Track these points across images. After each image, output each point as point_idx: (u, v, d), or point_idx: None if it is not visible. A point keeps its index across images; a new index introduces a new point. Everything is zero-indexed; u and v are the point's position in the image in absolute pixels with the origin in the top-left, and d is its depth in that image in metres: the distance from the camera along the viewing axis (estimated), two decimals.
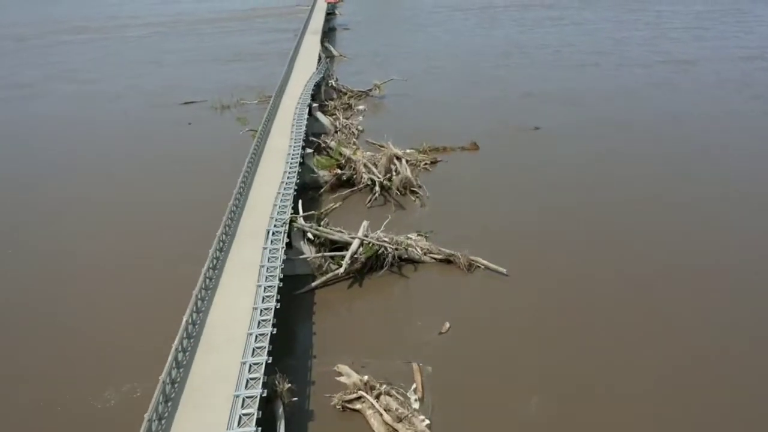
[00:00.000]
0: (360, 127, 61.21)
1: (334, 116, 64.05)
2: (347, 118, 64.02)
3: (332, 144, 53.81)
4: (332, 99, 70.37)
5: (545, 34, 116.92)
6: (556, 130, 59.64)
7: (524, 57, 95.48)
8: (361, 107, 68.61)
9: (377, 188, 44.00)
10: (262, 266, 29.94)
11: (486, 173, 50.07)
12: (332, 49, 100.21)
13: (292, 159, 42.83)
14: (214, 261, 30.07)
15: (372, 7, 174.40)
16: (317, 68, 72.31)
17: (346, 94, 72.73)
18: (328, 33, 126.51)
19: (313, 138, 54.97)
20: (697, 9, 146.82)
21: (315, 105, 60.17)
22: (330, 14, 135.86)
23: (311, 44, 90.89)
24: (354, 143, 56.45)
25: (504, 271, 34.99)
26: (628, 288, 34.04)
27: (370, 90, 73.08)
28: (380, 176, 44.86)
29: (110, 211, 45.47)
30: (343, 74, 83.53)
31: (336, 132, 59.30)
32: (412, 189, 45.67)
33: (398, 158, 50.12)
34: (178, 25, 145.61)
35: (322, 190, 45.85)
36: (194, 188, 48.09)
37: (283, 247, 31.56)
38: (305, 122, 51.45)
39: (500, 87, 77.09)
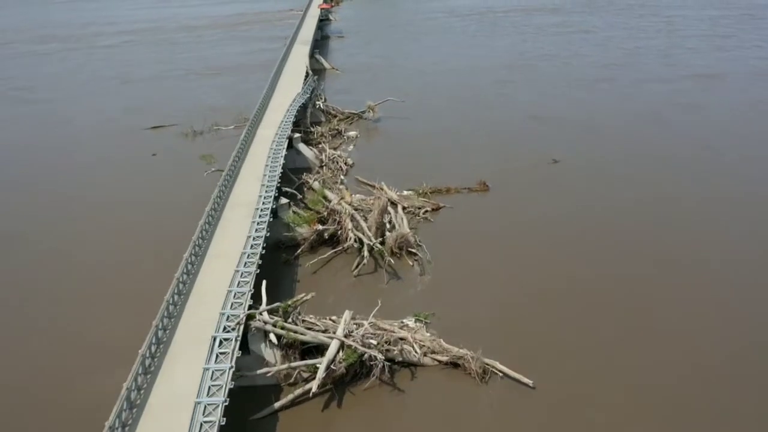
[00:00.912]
0: (349, 160, 52.36)
1: (320, 146, 55.27)
2: (335, 148, 55.15)
3: (315, 185, 45.13)
4: (319, 123, 61.60)
5: (551, 43, 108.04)
6: (578, 166, 50.59)
7: (530, 70, 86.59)
8: (352, 133, 59.78)
9: (366, 252, 35.16)
10: (199, 403, 21.24)
11: (500, 226, 40.98)
12: (323, 61, 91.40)
13: (260, 218, 34.05)
14: (124, 405, 20.96)
15: (369, 13, 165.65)
16: (303, 87, 63.51)
17: (335, 117, 63.97)
18: (321, 42, 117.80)
19: (293, 176, 46.33)
20: (709, 14, 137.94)
21: (297, 135, 51.38)
22: (323, 20, 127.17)
23: (299, 56, 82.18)
24: (342, 182, 47.76)
25: (530, 383, 26.24)
26: (693, 405, 25.39)
27: (363, 112, 64.31)
28: (370, 236, 36.02)
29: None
30: (333, 92, 74.93)
31: (322, 167, 50.58)
32: (409, 249, 36.94)
33: (393, 205, 41.47)
34: (155, 33, 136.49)
35: (299, 251, 37.06)
36: (128, 272, 36.17)
37: (231, 367, 22.83)
38: (281, 162, 42.61)
39: (507, 108, 68.37)
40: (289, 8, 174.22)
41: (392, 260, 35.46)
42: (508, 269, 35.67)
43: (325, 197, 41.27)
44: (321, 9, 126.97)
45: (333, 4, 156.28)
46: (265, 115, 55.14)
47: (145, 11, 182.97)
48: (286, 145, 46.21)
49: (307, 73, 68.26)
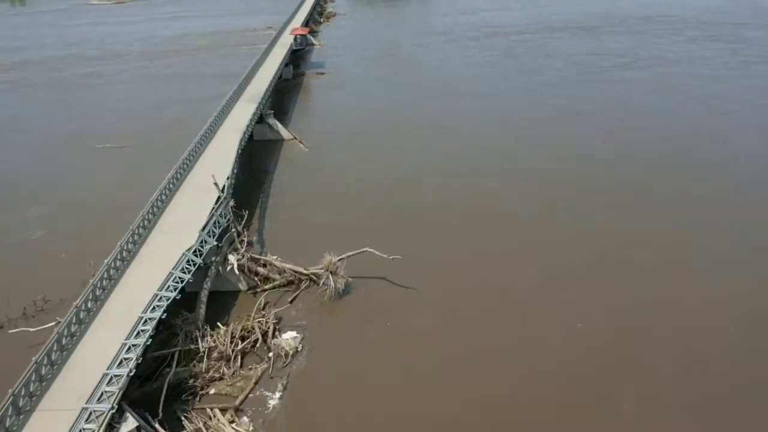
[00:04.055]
0: None
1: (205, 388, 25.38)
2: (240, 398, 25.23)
3: None
4: (236, 294, 31.54)
5: (591, 87, 77.33)
6: None
7: (566, 151, 54.77)
8: (289, 338, 29.72)
9: None
10: None
11: None
12: (280, 128, 60.58)
13: None
14: None
15: (364, 32, 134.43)
16: (204, 226, 33.12)
17: (260, 284, 33.97)
18: (294, 80, 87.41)
19: None
20: None
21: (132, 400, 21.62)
22: (298, 51, 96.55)
23: (230, 133, 51.17)
24: None
25: None
26: None
27: (318, 275, 33.83)
28: None
29: None
30: (280, 200, 45.13)
31: None
32: None
33: None
34: (60, 66, 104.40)
35: None
36: None
37: None
38: None
39: (553, 249, 38.10)
40: (267, 26, 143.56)
41: None
42: None
43: None
44: (294, 34, 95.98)
45: (311, 28, 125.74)
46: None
47: (76, 29, 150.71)
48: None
49: (222, 189, 37.15)
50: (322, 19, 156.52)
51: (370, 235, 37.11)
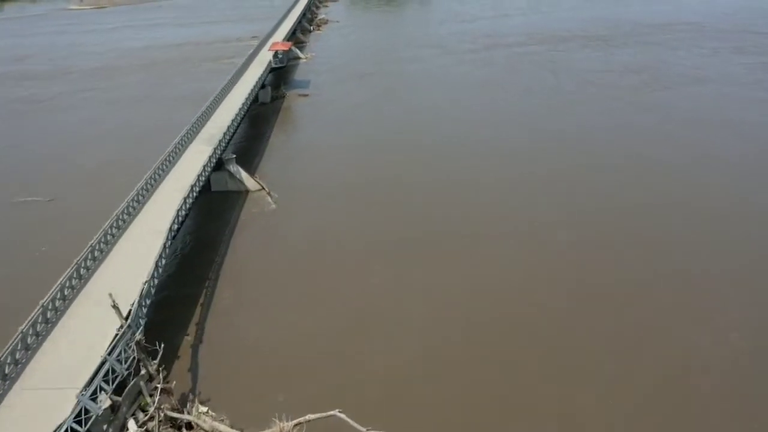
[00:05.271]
0: None
1: None
2: None
3: None
4: None
5: (610, 117, 65.34)
6: None
7: (590, 222, 43.50)
8: None
9: None
10: None
11: None
12: (243, 176, 49.03)
13: None
14: None
15: (357, 42, 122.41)
16: (90, 381, 21.87)
17: None
18: (272, 104, 76.08)
19: None
20: None
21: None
22: (279, 69, 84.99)
23: (173, 194, 39.69)
24: None
25: None
26: None
27: None
28: None
29: None
30: (222, 322, 33.22)
31: None
32: None
33: None
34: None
35: None
36: None
37: None
38: None
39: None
40: (252, 36, 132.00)
41: None
42: None
43: None
44: (274, 50, 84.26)
45: (299, 38, 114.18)
46: None
47: (34, 39, 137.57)
48: None
49: (126, 315, 25.15)
50: (312, 27, 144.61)
51: (348, 374, 25.86)
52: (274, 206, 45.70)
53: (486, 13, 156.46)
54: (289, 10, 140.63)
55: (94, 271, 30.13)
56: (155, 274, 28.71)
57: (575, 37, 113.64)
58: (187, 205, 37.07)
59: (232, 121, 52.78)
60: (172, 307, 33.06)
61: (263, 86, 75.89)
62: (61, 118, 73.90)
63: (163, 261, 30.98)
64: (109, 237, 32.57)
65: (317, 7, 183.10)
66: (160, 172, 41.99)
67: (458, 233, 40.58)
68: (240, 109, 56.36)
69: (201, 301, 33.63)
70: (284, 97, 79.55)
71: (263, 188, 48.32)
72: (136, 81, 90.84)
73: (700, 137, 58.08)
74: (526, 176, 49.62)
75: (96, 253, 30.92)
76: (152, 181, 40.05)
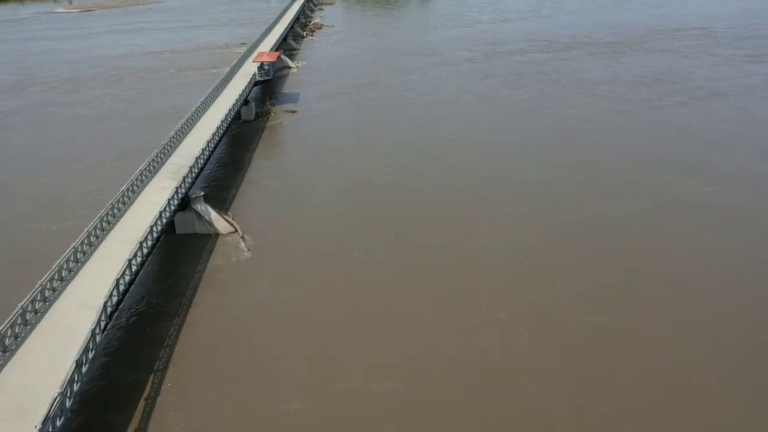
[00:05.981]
0: None
1: None
2: None
3: None
4: None
5: (624, 138, 58.83)
6: None
7: (614, 271, 37.82)
8: None
9: None
10: None
11: None
12: (212, 217, 42.54)
13: None
14: None
15: (350, 51, 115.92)
16: None
17: None
18: (256, 122, 69.62)
19: None
20: None
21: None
22: (263, 83, 78.44)
23: (124, 239, 33.32)
24: None
25: None
26: None
27: None
28: None
29: None
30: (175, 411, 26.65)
31: None
32: None
33: None
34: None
35: None
36: None
37: None
38: None
39: None
40: (241, 42, 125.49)
41: None
42: None
43: None
44: (259, 61, 77.38)
45: (291, 45, 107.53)
46: None
47: (3, 47, 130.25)
48: None
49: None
50: (305, 33, 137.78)
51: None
52: (247, 254, 39.27)
53: (485, 17, 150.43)
54: (281, 14, 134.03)
55: (3, 366, 23.85)
56: (75, 377, 22.37)
57: (580, 45, 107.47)
58: (132, 270, 30.58)
59: (202, 150, 46.28)
60: (112, 398, 26.73)
61: (246, 102, 69.45)
62: (5, 140, 65.91)
63: (97, 339, 24.63)
64: (29, 315, 26.23)
65: (312, 11, 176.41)
66: (110, 217, 35.58)
67: (461, 296, 34.32)
68: (213, 135, 49.83)
69: (146, 393, 27.25)
70: (270, 113, 73.09)
71: (236, 230, 41.96)
72: (104, 95, 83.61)
73: (733, 168, 51.53)
74: (542, 237, 43.16)
75: (7, 341, 24.62)
76: (96, 233, 33.55)
